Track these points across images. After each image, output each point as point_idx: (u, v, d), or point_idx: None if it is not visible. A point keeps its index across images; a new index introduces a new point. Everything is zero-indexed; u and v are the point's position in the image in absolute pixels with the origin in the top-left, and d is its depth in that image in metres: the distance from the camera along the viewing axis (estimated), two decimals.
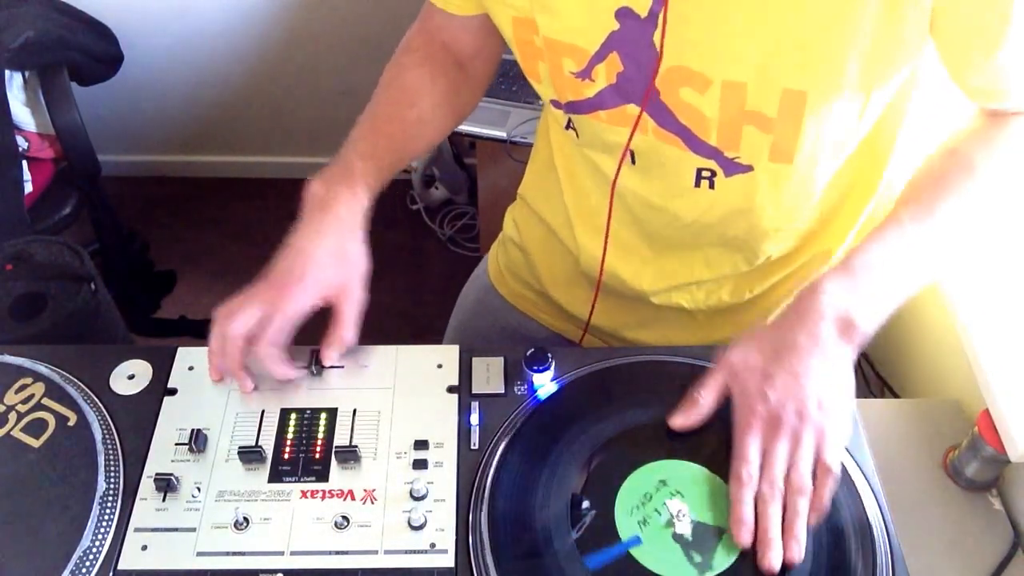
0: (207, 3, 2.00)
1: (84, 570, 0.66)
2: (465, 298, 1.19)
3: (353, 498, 0.70)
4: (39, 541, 0.66)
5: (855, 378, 0.70)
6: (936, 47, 0.70)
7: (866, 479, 0.71)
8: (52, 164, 1.82)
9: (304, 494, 0.71)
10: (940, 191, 0.73)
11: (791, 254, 0.89)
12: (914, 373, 1.13)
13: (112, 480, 0.71)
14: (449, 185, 2.21)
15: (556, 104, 0.84)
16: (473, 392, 0.77)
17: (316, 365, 0.78)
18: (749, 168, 0.77)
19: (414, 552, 0.67)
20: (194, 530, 0.68)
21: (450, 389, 0.77)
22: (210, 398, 0.77)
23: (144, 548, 0.67)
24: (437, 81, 0.90)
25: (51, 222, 1.78)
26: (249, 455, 0.72)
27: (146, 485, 0.71)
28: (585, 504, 0.68)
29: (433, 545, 0.67)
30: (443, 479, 0.71)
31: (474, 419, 0.75)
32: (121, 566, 0.66)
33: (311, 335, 0.79)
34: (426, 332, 2.04)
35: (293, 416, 0.76)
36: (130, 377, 0.78)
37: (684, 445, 0.71)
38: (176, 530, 0.68)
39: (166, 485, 0.70)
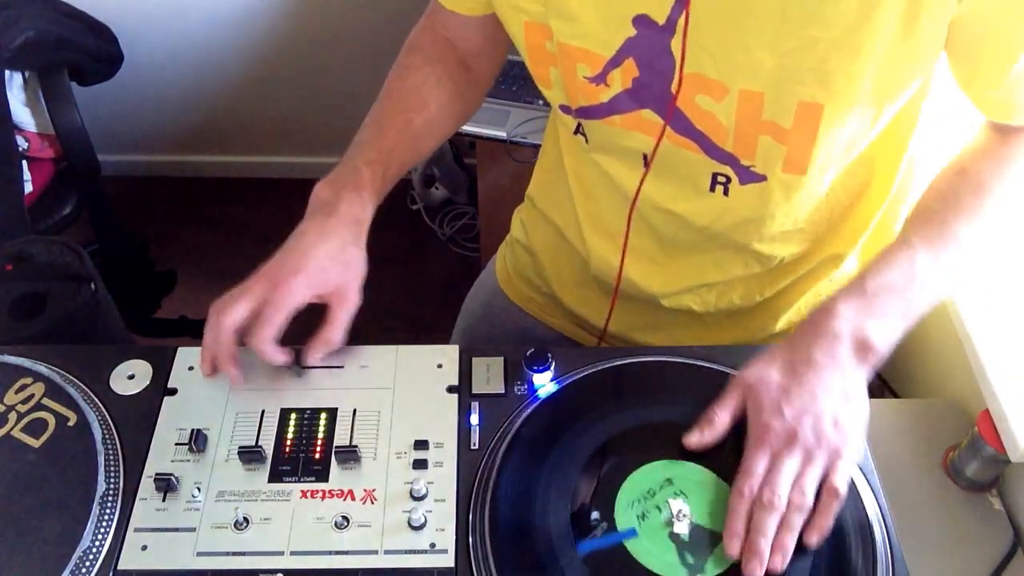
0: (207, 3, 2.00)
1: (84, 570, 0.66)
2: (472, 301, 1.18)
3: (353, 498, 0.70)
4: (39, 541, 0.66)
5: None
6: (949, 59, 0.69)
7: (866, 479, 0.71)
8: (52, 164, 1.82)
9: (304, 494, 0.71)
10: (950, 212, 0.73)
11: (802, 258, 0.89)
12: (914, 373, 1.13)
13: (112, 480, 0.71)
14: (449, 185, 2.21)
15: (566, 109, 0.83)
16: (473, 392, 0.77)
17: (298, 365, 0.78)
18: (763, 178, 0.77)
19: (414, 552, 0.67)
20: (194, 530, 0.68)
21: (450, 389, 0.77)
22: (210, 398, 0.77)
23: (144, 548, 0.67)
24: (443, 82, 0.90)
25: (51, 222, 1.78)
26: (249, 455, 0.72)
27: (146, 485, 0.71)
28: (595, 515, 0.67)
29: (433, 545, 0.67)
30: (443, 479, 0.71)
31: (474, 419, 0.75)
32: (121, 566, 0.66)
33: (299, 336, 0.78)
34: (426, 332, 2.04)
35: (293, 416, 0.76)
36: (130, 377, 0.78)
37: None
38: (176, 530, 0.68)
39: (166, 485, 0.70)
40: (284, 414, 0.76)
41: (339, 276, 0.77)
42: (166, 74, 2.14)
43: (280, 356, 0.76)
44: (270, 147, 2.35)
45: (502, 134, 1.59)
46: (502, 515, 0.68)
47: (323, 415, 0.76)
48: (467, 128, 1.59)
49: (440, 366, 0.79)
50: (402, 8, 1.96)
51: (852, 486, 0.69)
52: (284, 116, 2.26)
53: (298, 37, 2.07)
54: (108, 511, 0.69)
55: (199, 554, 0.67)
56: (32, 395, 0.76)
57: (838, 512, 0.66)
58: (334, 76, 2.15)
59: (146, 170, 2.38)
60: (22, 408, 0.75)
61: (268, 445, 0.74)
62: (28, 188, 1.74)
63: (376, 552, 0.67)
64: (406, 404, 0.77)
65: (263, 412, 0.76)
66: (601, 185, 0.89)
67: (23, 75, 1.74)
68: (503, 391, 0.77)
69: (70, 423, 0.73)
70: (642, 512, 0.67)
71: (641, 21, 0.70)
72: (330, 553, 0.67)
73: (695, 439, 0.70)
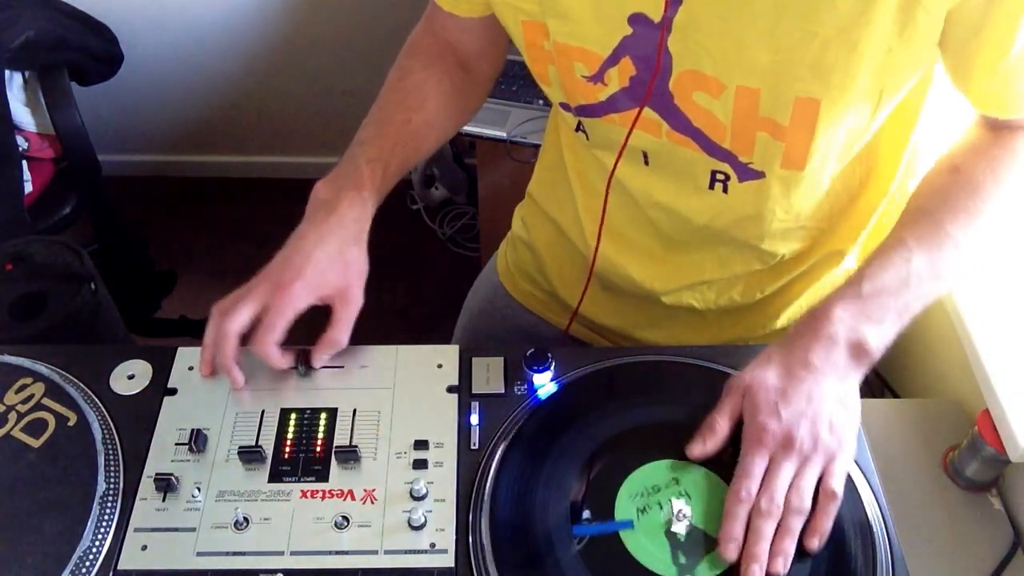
0: (207, 3, 2.00)
1: (84, 570, 0.66)
2: (473, 298, 1.18)
3: (353, 498, 0.70)
4: (39, 541, 0.66)
5: None
6: (942, 53, 0.69)
7: (866, 479, 0.71)
8: (52, 164, 1.82)
9: (304, 494, 0.71)
10: (945, 212, 0.73)
11: (802, 254, 0.89)
12: (914, 373, 1.13)
13: (112, 480, 0.71)
14: (449, 185, 2.21)
15: (566, 107, 0.83)
16: (473, 392, 0.77)
17: (304, 366, 0.78)
18: (761, 174, 0.77)
19: (414, 552, 0.67)
20: (194, 530, 0.68)
21: (450, 389, 0.77)
22: (210, 398, 0.77)
23: (144, 548, 0.67)
24: (442, 83, 0.90)
25: (51, 222, 1.78)
26: (249, 455, 0.72)
27: (146, 485, 0.71)
28: (586, 515, 0.68)
29: (433, 545, 0.67)
30: (443, 479, 0.71)
31: (474, 419, 0.75)
32: (121, 566, 0.66)
33: (304, 338, 0.78)
34: (426, 332, 2.04)
35: (293, 416, 0.76)
36: (130, 377, 0.78)
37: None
38: (176, 530, 0.68)
39: (166, 485, 0.70)
40: (284, 414, 0.76)
41: (340, 278, 0.77)
42: (166, 74, 2.14)
43: (284, 361, 0.76)
44: (270, 147, 2.35)
45: (502, 134, 1.59)
46: (502, 515, 0.68)
47: (323, 415, 0.76)
48: (467, 128, 1.59)
49: (440, 366, 0.79)
50: (402, 8, 1.96)
51: (852, 486, 0.69)
52: (284, 116, 2.26)
53: (298, 37, 2.07)
54: (108, 511, 0.69)
55: (199, 554, 0.67)
56: (32, 395, 0.76)
57: (835, 515, 0.66)
58: (334, 76, 2.15)
59: (146, 170, 2.38)
60: (22, 408, 0.75)
61: (268, 445, 0.74)
62: (28, 188, 1.74)
63: (376, 552, 0.67)
64: (406, 404, 0.77)
65: (263, 412, 0.76)
66: (601, 182, 0.89)
67: (23, 75, 1.74)
68: (503, 391, 0.77)
69: (70, 423, 0.73)
70: (643, 506, 0.67)
71: (637, 19, 0.70)
72: (330, 553, 0.67)
73: (698, 449, 0.69)
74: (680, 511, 0.67)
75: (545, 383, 0.77)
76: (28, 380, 0.77)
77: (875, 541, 0.66)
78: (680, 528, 0.66)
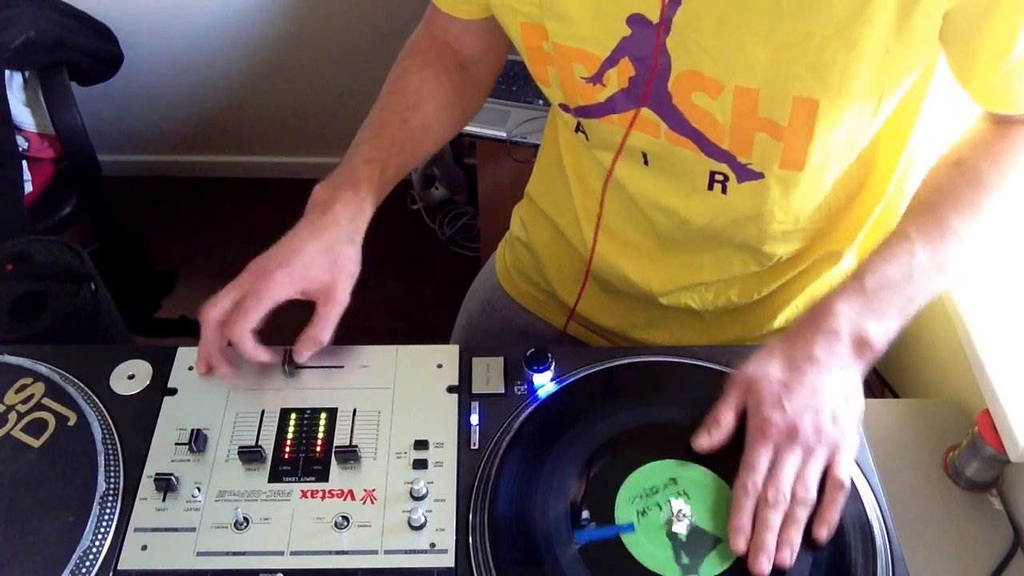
0: (207, 3, 2.00)
1: (84, 570, 0.66)
2: (471, 298, 1.18)
3: (353, 498, 0.70)
4: (39, 541, 0.66)
5: None
6: (944, 50, 0.69)
7: (866, 479, 0.71)
8: (52, 164, 1.82)
9: (304, 494, 0.71)
10: (948, 205, 0.73)
11: (800, 255, 0.89)
12: (914, 373, 1.13)
13: (112, 480, 0.71)
14: (449, 185, 2.21)
15: (565, 108, 0.83)
16: (473, 392, 0.77)
17: (289, 364, 0.78)
18: (760, 175, 0.77)
19: (414, 552, 0.67)
20: (194, 530, 0.68)
21: (450, 389, 0.77)
22: (210, 398, 0.77)
23: (144, 548, 0.67)
24: (441, 84, 0.90)
25: (51, 222, 1.78)
26: (249, 455, 0.72)
27: (146, 485, 0.71)
28: (585, 515, 0.68)
29: (433, 545, 0.67)
30: (443, 479, 0.71)
31: (474, 419, 0.75)
32: (121, 566, 0.66)
33: (290, 338, 0.78)
34: (426, 332, 2.04)
35: (293, 416, 0.76)
36: (130, 377, 0.78)
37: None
38: (176, 530, 0.68)
39: (166, 485, 0.70)
40: (284, 414, 0.76)
41: (325, 273, 0.77)
42: (166, 74, 2.14)
43: (260, 353, 0.75)
44: (270, 147, 2.35)
45: (502, 134, 1.59)
46: (502, 515, 0.68)
47: (323, 415, 0.76)
48: (467, 128, 1.58)
49: (440, 366, 0.79)
50: (402, 8, 1.96)
51: (852, 486, 0.69)
52: (284, 116, 2.26)
53: (298, 37, 2.07)
54: (108, 511, 0.69)
55: (199, 554, 0.67)
56: (32, 395, 0.76)
57: (843, 505, 0.66)
58: (334, 76, 2.15)
59: (146, 170, 2.37)
60: (22, 408, 0.75)
61: (268, 445, 0.74)
62: (28, 188, 1.74)
63: (376, 552, 0.67)
64: (406, 404, 0.77)
65: (263, 412, 0.76)
66: (600, 183, 0.89)
67: (23, 75, 1.74)
68: (503, 391, 0.77)
69: (70, 423, 0.73)
70: (643, 508, 0.67)
71: (635, 20, 0.70)
72: (330, 553, 0.67)
73: (704, 441, 0.69)
74: (680, 511, 0.67)
75: (545, 383, 0.77)
76: (28, 380, 0.77)
77: (875, 541, 0.66)
78: (681, 528, 0.66)
